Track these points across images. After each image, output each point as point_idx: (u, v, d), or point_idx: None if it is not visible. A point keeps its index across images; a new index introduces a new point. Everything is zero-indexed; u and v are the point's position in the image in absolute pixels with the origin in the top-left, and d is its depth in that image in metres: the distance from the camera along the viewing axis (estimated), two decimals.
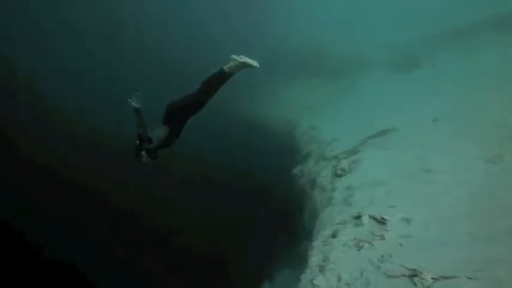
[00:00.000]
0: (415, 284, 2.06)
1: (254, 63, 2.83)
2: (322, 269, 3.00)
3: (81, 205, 8.20)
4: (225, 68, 2.86)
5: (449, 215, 2.79)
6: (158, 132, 2.98)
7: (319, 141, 8.68)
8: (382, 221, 3.23)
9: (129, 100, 2.86)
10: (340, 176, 5.53)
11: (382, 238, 2.93)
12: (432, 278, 2.01)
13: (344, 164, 5.82)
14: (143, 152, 3.03)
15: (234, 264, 7.21)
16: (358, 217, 3.66)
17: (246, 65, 2.83)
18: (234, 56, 2.83)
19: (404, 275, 2.21)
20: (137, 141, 3.03)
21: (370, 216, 3.46)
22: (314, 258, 3.40)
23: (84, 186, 8.71)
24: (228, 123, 12.45)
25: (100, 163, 9.23)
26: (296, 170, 8.54)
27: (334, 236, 3.58)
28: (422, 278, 2.04)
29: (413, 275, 2.14)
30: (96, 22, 17.24)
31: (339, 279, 2.69)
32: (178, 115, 2.98)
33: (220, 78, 2.91)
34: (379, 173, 4.64)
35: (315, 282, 2.83)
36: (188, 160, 8.82)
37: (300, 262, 6.69)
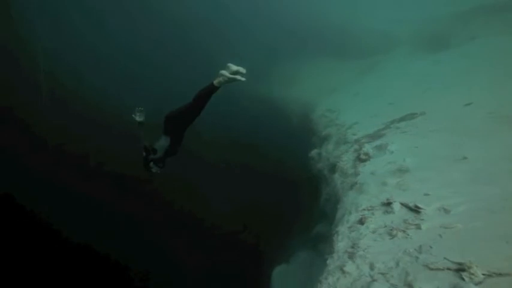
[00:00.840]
0: (463, 279, 1.93)
1: (241, 77, 3.03)
2: (351, 256, 2.91)
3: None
4: (215, 82, 3.09)
5: (494, 207, 2.60)
6: (161, 143, 3.18)
7: (339, 124, 8.42)
8: (415, 210, 3.07)
9: (132, 115, 3.04)
10: (363, 160, 5.33)
11: (418, 227, 2.79)
12: (484, 274, 1.88)
13: (367, 148, 5.61)
14: (151, 163, 3.27)
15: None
16: (387, 204, 3.51)
17: (234, 80, 3.04)
18: (222, 72, 3.04)
19: (449, 269, 2.08)
20: (143, 153, 3.22)
21: (402, 204, 3.31)
22: (341, 244, 3.31)
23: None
24: (243, 106, 12.27)
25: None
26: (313, 153, 8.37)
27: (361, 222, 3.46)
28: (472, 273, 1.90)
29: (461, 269, 2.01)
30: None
31: (372, 268, 2.59)
32: (176, 125, 3.18)
33: (210, 90, 3.12)
34: (407, 159, 4.43)
35: (345, 269, 2.75)
36: (208, 141, 8.86)
37: (316, 244, 6.70)
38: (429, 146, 4.50)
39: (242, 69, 3.05)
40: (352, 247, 3.06)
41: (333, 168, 6.29)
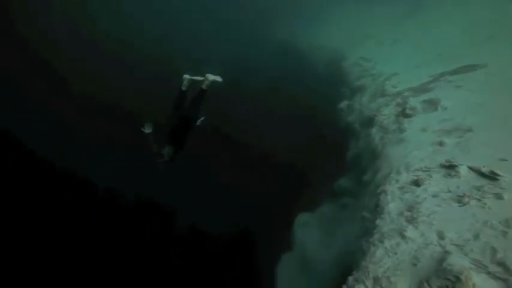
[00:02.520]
0: None
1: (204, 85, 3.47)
2: (411, 220, 2.57)
3: None
4: (182, 87, 3.47)
5: None
6: (167, 150, 3.56)
7: (375, 74, 7.57)
8: (491, 176, 2.62)
9: (142, 129, 3.44)
10: (409, 116, 4.74)
11: (499, 197, 2.37)
12: None
13: (413, 102, 4.96)
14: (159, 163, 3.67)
15: None
16: (449, 166, 3.06)
17: (194, 81, 3.43)
18: (185, 76, 3.44)
19: None
20: (153, 157, 3.59)
21: (471, 168, 2.85)
22: (392, 205, 2.98)
23: None
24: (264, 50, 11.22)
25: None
26: (343, 105, 7.73)
27: (417, 184, 3.07)
28: None
29: None
30: None
31: (441, 237, 2.26)
32: (175, 137, 3.54)
33: (181, 96, 3.50)
34: (468, 117, 3.83)
35: (406, 234, 2.43)
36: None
37: (339, 197, 6.53)
38: (497, 104, 3.84)
39: (219, 79, 3.48)
40: (410, 210, 2.72)
41: (368, 121, 5.74)
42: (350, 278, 2.40)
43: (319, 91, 9.09)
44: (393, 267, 2.22)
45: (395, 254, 2.33)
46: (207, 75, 3.42)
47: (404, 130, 4.41)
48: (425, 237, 2.32)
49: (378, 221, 2.89)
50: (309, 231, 5.82)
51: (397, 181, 3.34)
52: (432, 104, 4.68)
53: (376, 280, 2.19)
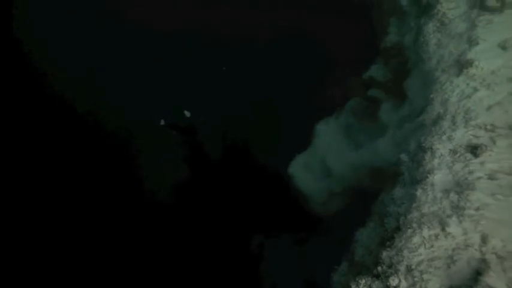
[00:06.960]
0: None
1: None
2: (456, 209, 2.41)
3: None
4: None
5: None
6: None
7: None
8: None
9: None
10: (492, 8, 3.22)
11: None
12: None
13: None
14: None
15: None
16: None
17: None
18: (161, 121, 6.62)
19: None
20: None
21: None
22: (438, 177, 2.66)
23: None
24: None
25: None
26: None
27: (474, 151, 2.61)
28: None
29: None
30: None
31: (484, 241, 2.19)
32: None
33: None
34: None
35: (448, 228, 2.37)
36: None
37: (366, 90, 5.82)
38: None
39: (188, 114, 6.47)
40: (458, 193, 2.50)
41: (424, 6, 4.08)
42: (384, 253, 2.64)
43: None
44: (427, 261, 2.36)
45: (432, 247, 2.39)
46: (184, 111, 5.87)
47: (476, 42, 3.18)
48: (467, 237, 2.29)
49: (418, 192, 2.75)
50: (329, 137, 5.73)
51: (449, 138, 2.86)
52: None
53: (409, 270, 2.39)
